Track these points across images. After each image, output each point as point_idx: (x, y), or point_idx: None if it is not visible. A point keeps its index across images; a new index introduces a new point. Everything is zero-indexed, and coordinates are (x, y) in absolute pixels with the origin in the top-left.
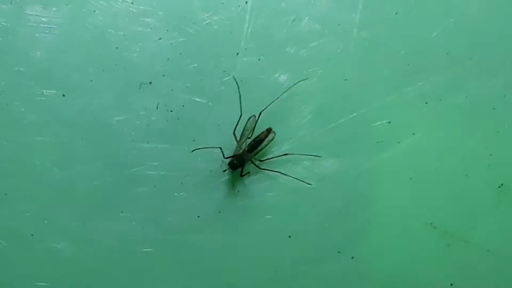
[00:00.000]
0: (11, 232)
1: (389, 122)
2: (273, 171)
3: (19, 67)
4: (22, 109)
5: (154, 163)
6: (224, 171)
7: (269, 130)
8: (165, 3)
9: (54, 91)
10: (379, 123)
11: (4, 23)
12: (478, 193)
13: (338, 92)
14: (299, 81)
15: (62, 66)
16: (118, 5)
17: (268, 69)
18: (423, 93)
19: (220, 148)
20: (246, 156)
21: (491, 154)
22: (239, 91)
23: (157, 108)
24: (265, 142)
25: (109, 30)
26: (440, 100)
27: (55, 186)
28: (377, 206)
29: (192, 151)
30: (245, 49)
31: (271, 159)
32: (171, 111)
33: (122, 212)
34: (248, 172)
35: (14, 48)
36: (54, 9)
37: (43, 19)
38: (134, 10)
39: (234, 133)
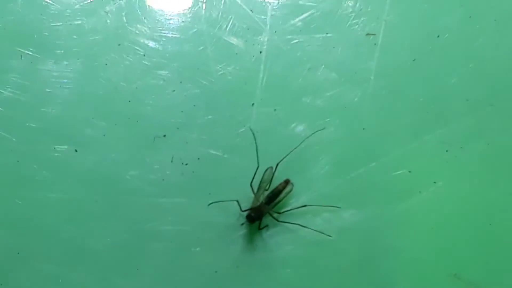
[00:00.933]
0: None
1: (410, 171)
2: (292, 223)
3: (30, 123)
4: (34, 166)
5: (170, 218)
6: (242, 224)
7: (287, 182)
8: (178, 55)
9: (66, 147)
10: (399, 172)
11: (14, 78)
12: (504, 242)
13: (356, 142)
14: (316, 131)
15: (74, 120)
16: (130, 58)
17: (285, 120)
18: (443, 141)
19: (237, 201)
20: (264, 209)
21: None
22: (255, 142)
23: (171, 161)
24: (283, 194)
25: (121, 83)
26: (461, 147)
27: (69, 243)
28: (399, 258)
29: (209, 204)
30: (261, 99)
31: (289, 211)
32: (186, 164)
33: (137, 269)
34: (266, 225)
35: (25, 103)
36: (65, 63)
37: (54, 73)
38: (146, 63)
39: (251, 185)
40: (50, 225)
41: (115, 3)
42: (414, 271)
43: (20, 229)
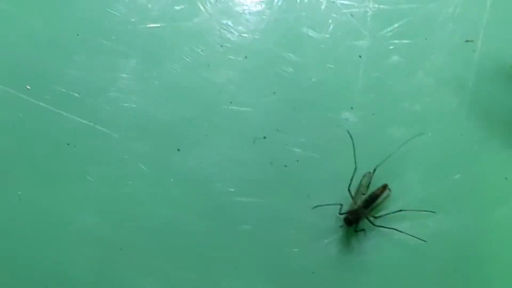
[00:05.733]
0: None
1: (506, 178)
2: (388, 227)
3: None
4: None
5: (269, 219)
6: (340, 226)
7: (384, 187)
8: (279, 58)
9: (170, 146)
10: (496, 179)
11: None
12: None
13: (454, 147)
14: (414, 136)
15: (178, 121)
16: (232, 57)
17: (382, 124)
18: None
19: (341, 205)
20: (361, 212)
21: None
22: (353, 146)
23: (271, 163)
24: (380, 199)
25: (223, 83)
26: None
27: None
28: (495, 265)
29: (313, 208)
30: (359, 103)
31: (385, 216)
32: (285, 166)
33: (236, 268)
34: (363, 229)
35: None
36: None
37: (154, 73)
38: (248, 65)
39: (349, 189)
40: None
41: None
42: (510, 280)
43: None
